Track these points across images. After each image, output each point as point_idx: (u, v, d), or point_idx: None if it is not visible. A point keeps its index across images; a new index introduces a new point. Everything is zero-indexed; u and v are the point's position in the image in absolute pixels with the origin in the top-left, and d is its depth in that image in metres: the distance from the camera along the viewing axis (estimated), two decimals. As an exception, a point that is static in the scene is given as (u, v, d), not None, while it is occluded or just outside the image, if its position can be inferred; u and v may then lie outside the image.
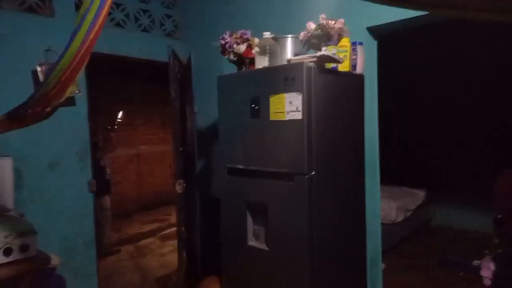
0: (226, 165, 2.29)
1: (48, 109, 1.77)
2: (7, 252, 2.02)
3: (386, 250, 3.59)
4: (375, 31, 2.37)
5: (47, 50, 2.59)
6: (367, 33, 2.34)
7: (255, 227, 2.19)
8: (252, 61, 2.26)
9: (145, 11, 3.33)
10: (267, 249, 2.09)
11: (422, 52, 4.92)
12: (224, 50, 2.35)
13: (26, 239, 2.10)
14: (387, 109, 3.04)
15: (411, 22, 2.13)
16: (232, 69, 2.45)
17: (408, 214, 4.47)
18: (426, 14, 1.91)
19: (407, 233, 4.48)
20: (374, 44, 2.41)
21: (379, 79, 2.41)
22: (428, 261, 3.90)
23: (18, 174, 2.55)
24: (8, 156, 2.47)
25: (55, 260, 2.32)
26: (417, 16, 2.01)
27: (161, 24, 3.46)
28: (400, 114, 5.23)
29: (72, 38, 1.47)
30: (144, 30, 3.34)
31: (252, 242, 2.18)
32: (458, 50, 4.67)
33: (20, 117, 1.80)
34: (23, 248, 2.08)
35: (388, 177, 3.95)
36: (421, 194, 4.87)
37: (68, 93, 1.77)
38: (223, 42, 2.32)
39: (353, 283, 2.29)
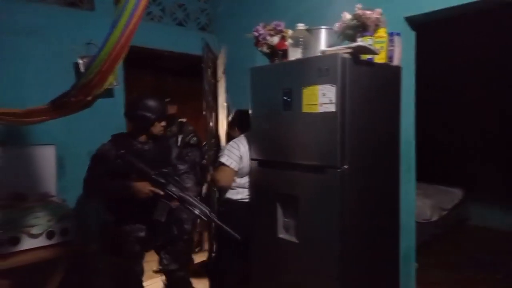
0: (257, 156, 2.30)
1: (89, 98, 1.86)
2: (50, 235, 2.14)
3: (417, 248, 3.48)
4: (414, 21, 2.28)
5: (88, 43, 2.70)
6: (405, 23, 2.26)
7: (285, 219, 2.18)
8: (285, 53, 2.24)
9: (180, 5, 3.39)
10: (297, 242, 2.08)
11: (461, 43, 4.67)
12: (257, 42, 2.34)
13: (66, 223, 2.22)
14: (424, 104, 2.92)
15: (454, 10, 2.03)
16: (264, 62, 2.44)
17: (444, 213, 4.30)
18: (473, 2, 1.80)
19: (441, 232, 4.32)
20: (412, 34, 2.32)
21: (418, 72, 2.33)
22: (459, 260, 3.75)
23: (60, 162, 2.68)
24: (52, 145, 2.60)
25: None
26: (461, 4, 1.91)
27: (196, 18, 3.51)
28: (437, 109, 5.02)
29: (111, 29, 1.53)
30: (179, 24, 3.40)
31: (282, 235, 2.18)
32: (506, 40, 4.35)
33: (64, 105, 1.90)
34: (64, 231, 2.20)
35: (422, 174, 3.81)
36: (458, 193, 4.67)
37: (108, 83, 1.84)
38: (256, 34, 2.32)
39: (384, 280, 2.24)
